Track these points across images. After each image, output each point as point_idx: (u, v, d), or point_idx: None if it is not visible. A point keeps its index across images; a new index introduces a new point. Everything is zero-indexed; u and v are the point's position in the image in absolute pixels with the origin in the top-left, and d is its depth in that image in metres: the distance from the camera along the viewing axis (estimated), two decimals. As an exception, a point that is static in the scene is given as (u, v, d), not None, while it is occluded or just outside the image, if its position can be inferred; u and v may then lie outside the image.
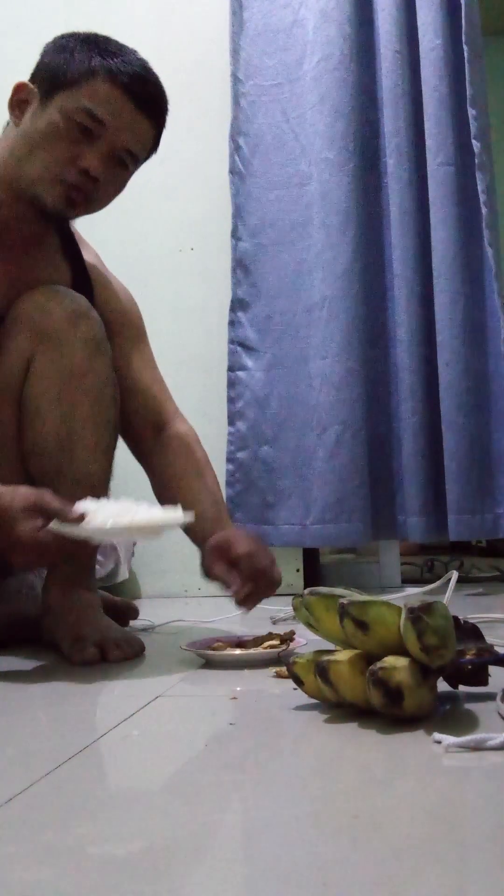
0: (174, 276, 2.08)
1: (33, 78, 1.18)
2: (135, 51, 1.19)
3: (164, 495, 1.29)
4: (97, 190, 1.17)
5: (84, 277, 1.31)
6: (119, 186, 1.22)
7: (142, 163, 1.24)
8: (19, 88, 1.17)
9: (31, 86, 1.17)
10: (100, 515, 0.98)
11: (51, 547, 0.97)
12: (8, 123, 1.21)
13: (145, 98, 1.16)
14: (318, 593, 0.80)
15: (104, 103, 1.13)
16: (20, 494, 0.99)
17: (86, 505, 1.00)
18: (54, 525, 0.96)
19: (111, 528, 0.98)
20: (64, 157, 1.14)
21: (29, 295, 1.19)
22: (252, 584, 1.11)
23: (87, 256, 1.33)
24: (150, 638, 1.28)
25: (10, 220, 1.20)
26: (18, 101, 1.17)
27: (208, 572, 1.16)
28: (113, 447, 1.24)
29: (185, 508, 1.25)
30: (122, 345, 1.33)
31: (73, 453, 1.17)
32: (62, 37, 1.19)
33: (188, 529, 1.23)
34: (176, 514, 1.04)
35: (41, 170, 1.14)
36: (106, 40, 1.18)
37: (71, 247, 1.31)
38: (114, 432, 1.24)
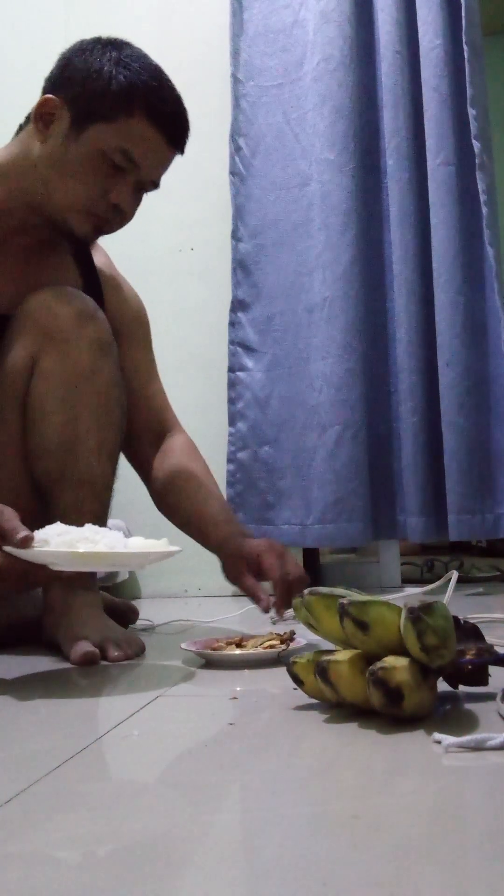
0: (174, 277, 2.08)
1: (56, 89, 1.17)
2: (165, 73, 1.19)
3: (168, 500, 1.30)
4: (124, 220, 1.22)
5: (94, 281, 1.31)
6: (136, 210, 1.25)
7: None
8: (47, 103, 1.16)
9: (59, 101, 1.16)
10: (59, 541, 0.92)
11: (2, 570, 0.91)
12: (21, 127, 1.22)
13: (178, 135, 1.20)
14: (318, 593, 0.80)
15: (141, 143, 1.16)
16: None
17: (52, 529, 0.94)
18: (10, 548, 0.91)
19: (67, 556, 0.91)
20: (96, 191, 1.17)
21: (36, 295, 1.19)
22: (287, 595, 1.16)
23: (98, 259, 1.35)
24: (150, 638, 1.28)
25: (22, 224, 1.22)
26: (44, 114, 1.17)
27: (235, 581, 1.20)
28: (118, 449, 1.24)
29: (191, 511, 1.26)
30: (129, 351, 1.34)
31: (78, 455, 1.17)
32: (92, 51, 1.17)
33: (201, 533, 1.25)
34: (152, 547, 0.99)
35: (73, 201, 1.17)
36: (141, 63, 1.17)
37: (82, 250, 1.32)
38: (119, 434, 1.24)
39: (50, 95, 1.17)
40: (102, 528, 0.97)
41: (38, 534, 0.92)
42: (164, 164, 1.22)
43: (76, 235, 1.21)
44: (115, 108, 1.14)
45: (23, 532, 0.90)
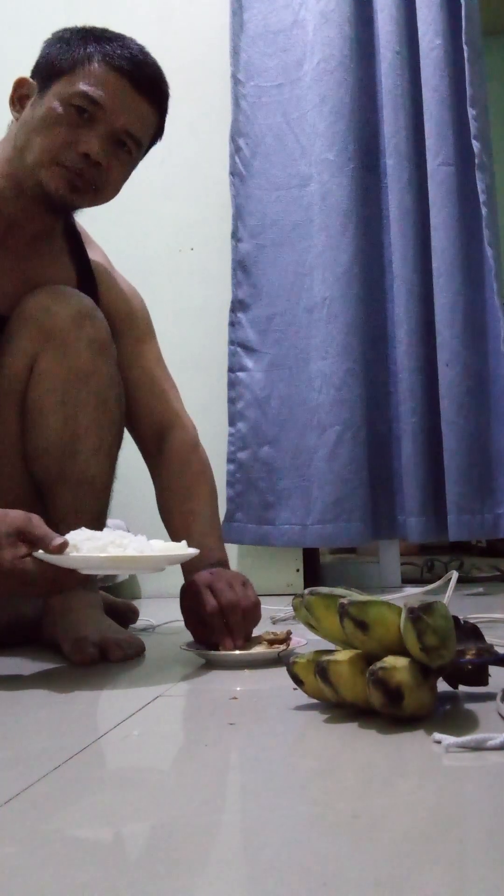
0: (174, 277, 2.08)
1: (33, 73, 1.19)
2: (133, 39, 1.18)
3: (161, 513, 1.29)
4: (100, 175, 1.15)
5: (89, 277, 1.30)
6: (124, 172, 1.20)
7: (146, 149, 1.22)
8: (20, 84, 1.17)
9: (31, 80, 1.17)
10: (90, 545, 0.93)
11: (31, 576, 0.92)
12: (11, 121, 1.21)
13: (142, 79, 1.15)
14: (318, 593, 0.80)
15: (100, 84, 1.12)
16: (8, 519, 0.94)
17: (79, 534, 0.95)
18: (40, 553, 0.92)
19: (98, 561, 0.93)
20: (62, 141, 1.12)
21: (33, 295, 1.18)
22: (222, 627, 1.08)
23: (93, 255, 1.33)
24: (150, 638, 1.28)
25: (16, 217, 1.20)
26: (20, 96, 1.17)
27: (186, 626, 1.15)
28: (116, 449, 1.24)
29: (175, 536, 1.23)
30: (129, 344, 1.33)
31: (76, 455, 1.17)
32: (60, 30, 1.19)
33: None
34: (175, 549, 1.01)
35: (40, 154, 1.13)
36: (103, 30, 1.18)
37: (77, 246, 1.31)
38: (118, 434, 1.24)
39: (20, 77, 1.18)
40: (127, 533, 0.99)
41: (67, 539, 0.94)
42: (134, 111, 1.15)
43: (53, 194, 1.14)
44: (74, 61, 1.14)
45: (58, 539, 0.92)
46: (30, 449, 1.19)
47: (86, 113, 1.12)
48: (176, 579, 1.71)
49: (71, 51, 1.14)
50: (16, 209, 1.19)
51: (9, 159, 1.18)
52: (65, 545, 0.92)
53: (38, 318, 1.17)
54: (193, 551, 1.03)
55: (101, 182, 1.16)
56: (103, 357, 1.19)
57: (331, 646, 0.82)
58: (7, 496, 1.14)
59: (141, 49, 1.17)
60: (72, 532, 0.96)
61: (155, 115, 1.19)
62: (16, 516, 0.95)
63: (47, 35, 1.21)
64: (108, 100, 1.13)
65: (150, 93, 1.17)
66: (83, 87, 1.12)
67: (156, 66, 1.18)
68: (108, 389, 1.20)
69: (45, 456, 1.18)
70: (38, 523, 0.94)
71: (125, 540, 0.96)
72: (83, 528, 0.97)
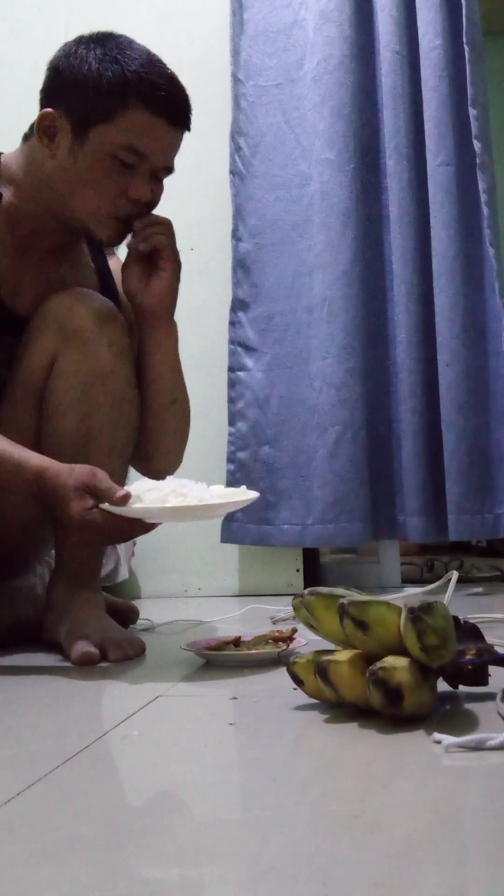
0: (174, 276, 2.08)
1: (51, 100, 1.17)
2: (159, 58, 1.18)
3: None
4: (150, 207, 1.22)
5: (110, 283, 1.33)
6: (160, 196, 1.25)
7: None
8: (45, 117, 1.16)
9: (57, 113, 1.16)
10: (152, 496, 0.99)
11: (100, 527, 1.00)
12: (26, 137, 1.22)
13: (178, 114, 1.19)
14: (318, 593, 0.80)
15: (144, 134, 1.15)
16: (75, 473, 1.02)
17: (141, 484, 1.02)
18: (107, 505, 0.99)
19: (160, 511, 0.99)
20: (113, 192, 1.17)
21: (56, 296, 1.21)
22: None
23: (113, 264, 1.36)
24: (150, 638, 1.28)
25: (41, 228, 1.23)
26: (46, 128, 1.17)
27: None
28: (129, 450, 1.26)
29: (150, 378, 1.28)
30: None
31: (90, 453, 1.18)
32: (76, 53, 1.16)
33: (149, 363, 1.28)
34: (234, 495, 1.07)
35: (94, 209, 1.18)
36: (127, 53, 1.15)
37: (98, 252, 1.34)
38: (132, 435, 1.26)
39: (48, 109, 1.17)
40: (188, 481, 1.04)
41: (131, 490, 1.00)
42: (172, 147, 1.21)
43: (105, 243, 1.25)
44: (111, 106, 1.14)
45: (121, 491, 0.99)
46: (45, 445, 1.20)
47: (131, 163, 1.16)
48: (175, 580, 1.73)
49: (105, 91, 1.13)
50: (41, 223, 1.23)
51: (38, 185, 1.20)
52: (127, 497, 0.98)
53: (60, 318, 1.19)
54: (254, 495, 1.09)
55: (149, 211, 1.23)
56: (122, 359, 1.21)
57: (331, 646, 0.82)
58: None
59: (171, 76, 1.18)
60: (135, 483, 1.03)
61: (183, 136, 1.22)
62: (81, 471, 1.02)
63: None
64: (151, 147, 1.16)
65: (183, 122, 1.21)
66: (127, 139, 1.14)
67: (185, 93, 1.20)
68: (124, 391, 1.22)
69: (59, 453, 1.18)
70: (102, 477, 1.01)
71: (186, 489, 1.01)
72: (144, 479, 1.04)
